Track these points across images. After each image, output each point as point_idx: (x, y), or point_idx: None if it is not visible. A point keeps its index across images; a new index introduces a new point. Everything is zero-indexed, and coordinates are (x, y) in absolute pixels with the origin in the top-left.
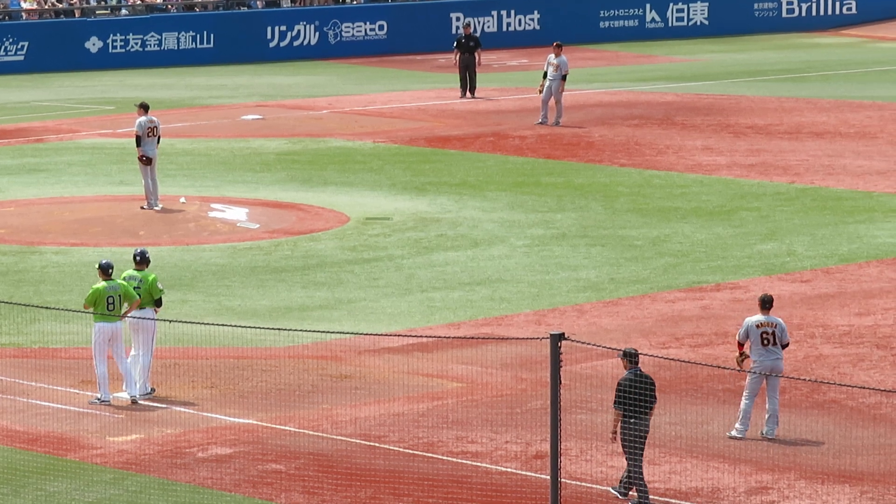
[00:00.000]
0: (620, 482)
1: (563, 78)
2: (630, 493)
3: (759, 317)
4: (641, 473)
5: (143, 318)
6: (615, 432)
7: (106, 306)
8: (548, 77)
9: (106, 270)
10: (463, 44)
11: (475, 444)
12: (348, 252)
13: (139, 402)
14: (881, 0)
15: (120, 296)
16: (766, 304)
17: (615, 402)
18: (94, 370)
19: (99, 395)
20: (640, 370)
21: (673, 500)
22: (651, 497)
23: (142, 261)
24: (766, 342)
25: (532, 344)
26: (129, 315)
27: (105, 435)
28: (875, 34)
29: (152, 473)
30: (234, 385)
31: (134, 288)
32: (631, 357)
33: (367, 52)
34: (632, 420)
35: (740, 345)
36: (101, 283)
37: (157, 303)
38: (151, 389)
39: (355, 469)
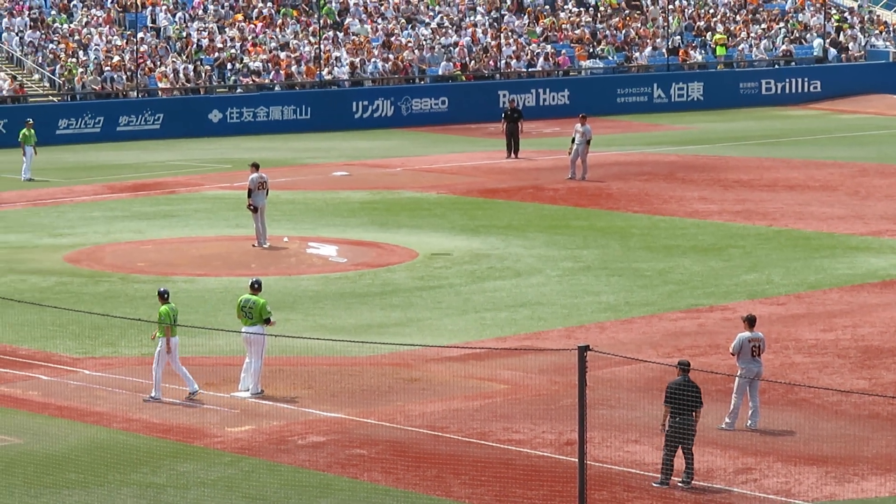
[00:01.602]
0: (684, 472)
1: (588, 142)
2: (692, 481)
3: (748, 333)
4: (672, 460)
5: (255, 333)
6: (664, 425)
7: (172, 322)
8: (575, 142)
9: (163, 296)
10: (509, 115)
11: (518, 433)
12: (417, 281)
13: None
14: (841, 81)
15: (176, 315)
16: (752, 322)
17: (665, 401)
18: (177, 372)
19: (152, 394)
20: (689, 378)
21: (676, 479)
22: (660, 476)
23: (257, 288)
24: (754, 353)
25: (563, 354)
26: (243, 330)
27: (224, 426)
28: (836, 108)
29: (262, 457)
30: (327, 386)
31: (248, 307)
32: (683, 366)
33: (432, 121)
34: (677, 418)
35: (733, 354)
36: (164, 307)
37: (266, 321)
38: (261, 390)
39: (423, 453)
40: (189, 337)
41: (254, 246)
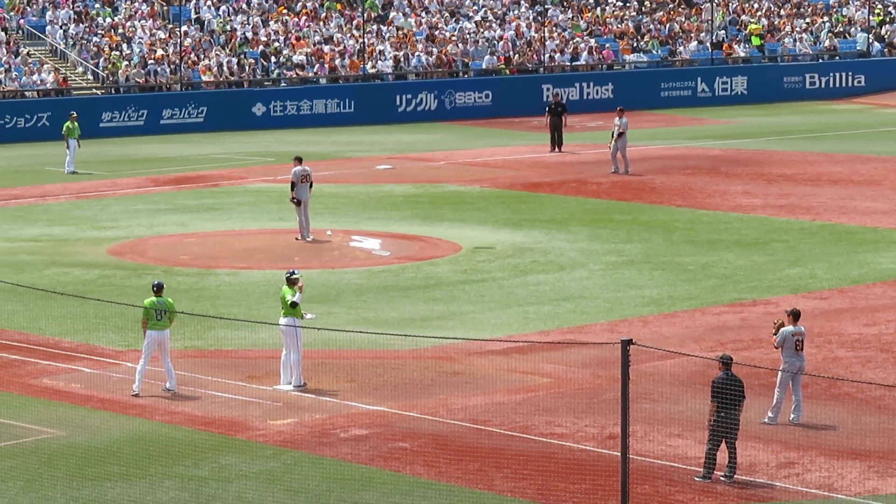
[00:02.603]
0: (727, 466)
1: (622, 135)
2: (734, 475)
3: (791, 327)
4: (715, 454)
5: (286, 325)
6: (710, 422)
7: (155, 317)
8: (613, 136)
9: (153, 288)
10: (553, 108)
11: (561, 427)
12: (460, 274)
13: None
14: (885, 75)
15: (164, 310)
16: (797, 316)
17: (711, 397)
18: (163, 366)
19: (134, 387)
20: (732, 373)
21: (718, 473)
22: (703, 470)
23: (290, 279)
24: (798, 347)
25: (606, 348)
26: (280, 323)
27: (266, 419)
28: (880, 102)
29: (304, 450)
30: (370, 379)
31: (281, 299)
32: (725, 361)
33: (475, 115)
34: (722, 413)
35: (777, 348)
36: (148, 300)
37: (292, 305)
38: (304, 383)
39: (465, 447)
40: (232, 330)
41: (297, 239)
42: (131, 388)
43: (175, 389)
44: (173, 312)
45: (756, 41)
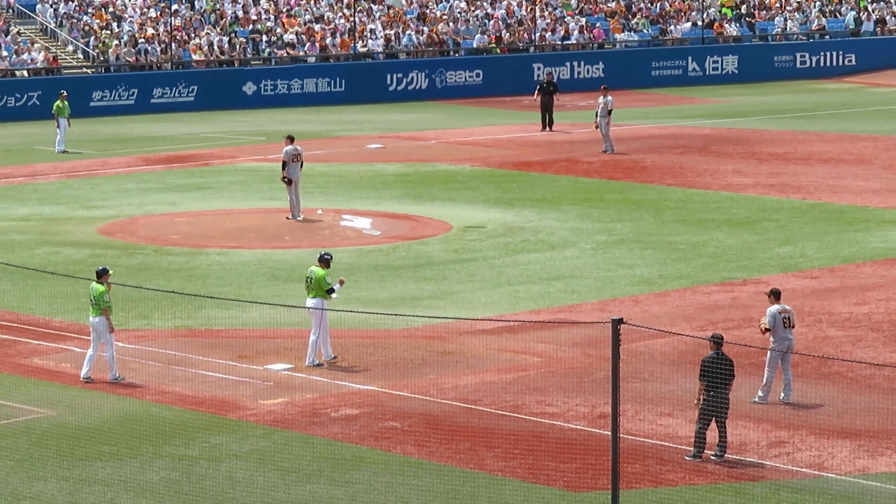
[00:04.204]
0: (717, 445)
1: (609, 113)
2: (725, 454)
3: (777, 306)
4: (705, 434)
5: (313, 307)
6: (698, 401)
7: (92, 303)
8: (598, 115)
9: (98, 274)
10: (544, 87)
11: (552, 406)
12: (451, 254)
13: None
14: (876, 54)
15: (99, 296)
16: (777, 295)
17: (700, 376)
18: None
19: (114, 374)
20: (723, 352)
21: (709, 452)
22: (693, 449)
23: (321, 261)
24: (786, 324)
25: (597, 327)
26: (307, 305)
27: (257, 399)
28: (871, 81)
29: (295, 429)
30: (361, 359)
31: (309, 279)
32: (717, 340)
33: (466, 94)
34: (711, 392)
35: (768, 330)
36: (94, 284)
37: (329, 292)
38: (334, 356)
39: (456, 426)
40: (223, 309)
41: (287, 218)
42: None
43: (117, 379)
44: (101, 301)
45: (728, 13)
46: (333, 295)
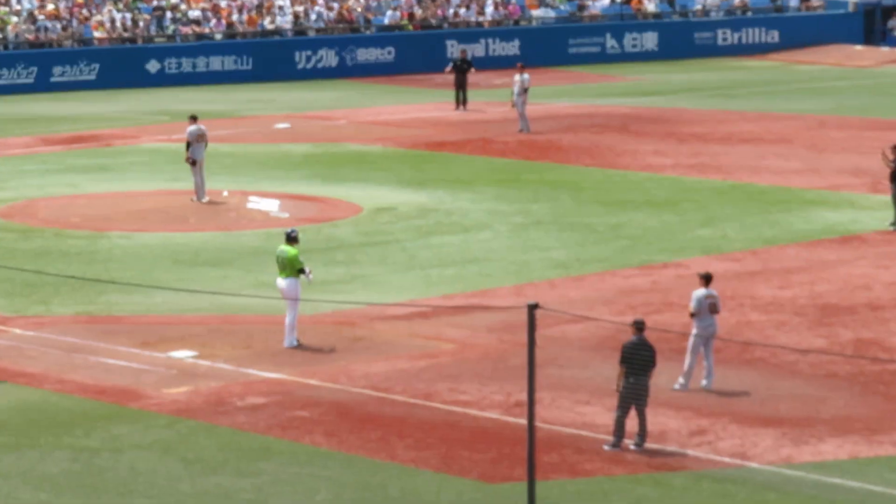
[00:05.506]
0: (637, 434)
1: (525, 91)
2: (644, 444)
3: (703, 290)
4: (624, 421)
5: (290, 287)
6: (619, 386)
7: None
8: (514, 93)
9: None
10: (458, 65)
11: (465, 394)
12: (362, 236)
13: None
14: (799, 31)
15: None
16: (708, 279)
17: (620, 361)
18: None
19: None
20: (644, 338)
21: (628, 441)
22: (613, 438)
23: (289, 239)
24: (711, 310)
25: (512, 312)
26: (279, 284)
27: (160, 387)
28: (793, 59)
29: (199, 419)
30: (267, 346)
31: (281, 259)
32: (639, 325)
33: (377, 72)
34: (631, 379)
35: (693, 315)
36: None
37: (300, 272)
38: (297, 343)
39: (367, 415)
40: (125, 295)
41: (192, 200)
42: None
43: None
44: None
45: None
46: (309, 276)
